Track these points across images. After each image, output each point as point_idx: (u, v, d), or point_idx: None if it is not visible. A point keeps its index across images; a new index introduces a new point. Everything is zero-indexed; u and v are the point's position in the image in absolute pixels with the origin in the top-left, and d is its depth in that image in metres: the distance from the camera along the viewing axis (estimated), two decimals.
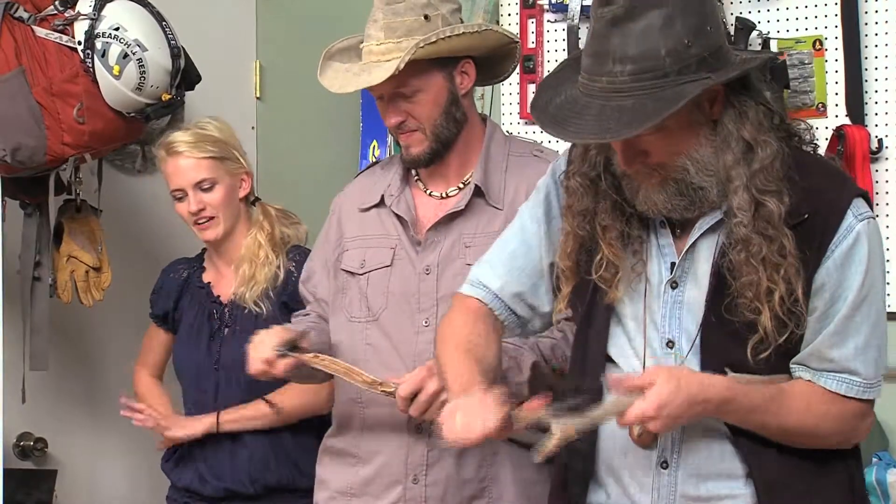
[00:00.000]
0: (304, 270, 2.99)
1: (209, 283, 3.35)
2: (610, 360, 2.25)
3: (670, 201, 2.15)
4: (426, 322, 2.70)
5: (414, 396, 2.57)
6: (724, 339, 2.14)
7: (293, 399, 3.19)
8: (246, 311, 3.24)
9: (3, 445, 3.27)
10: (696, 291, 2.18)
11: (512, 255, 2.37)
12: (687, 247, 2.19)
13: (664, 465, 2.19)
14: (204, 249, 3.42)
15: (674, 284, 2.20)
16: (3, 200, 3.31)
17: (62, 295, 3.42)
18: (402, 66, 2.61)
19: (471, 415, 2.10)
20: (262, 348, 2.66)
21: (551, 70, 3.47)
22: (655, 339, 2.20)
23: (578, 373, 2.30)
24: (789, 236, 2.10)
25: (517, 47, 2.80)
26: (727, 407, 2.09)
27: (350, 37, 2.83)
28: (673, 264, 2.20)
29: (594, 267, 2.22)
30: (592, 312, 2.26)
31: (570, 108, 2.12)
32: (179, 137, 3.26)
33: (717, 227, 2.18)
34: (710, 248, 2.18)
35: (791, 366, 2.17)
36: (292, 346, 2.65)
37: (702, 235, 2.19)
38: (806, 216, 2.12)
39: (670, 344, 2.19)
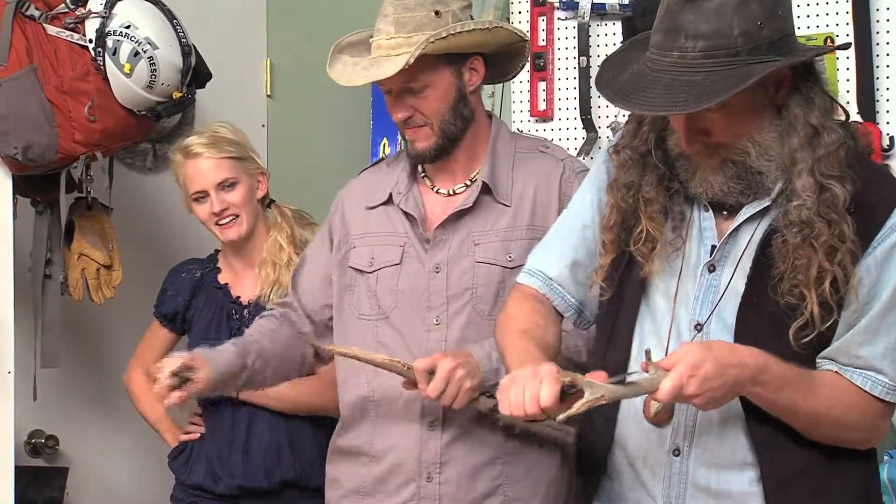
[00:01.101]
0: (300, 258, 3.01)
1: (226, 283, 3.39)
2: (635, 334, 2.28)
3: (727, 184, 2.18)
4: (437, 320, 2.73)
5: (431, 375, 2.57)
6: (760, 324, 2.17)
7: (306, 394, 3.22)
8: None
9: (14, 443, 3.31)
10: (735, 276, 2.20)
11: (567, 236, 2.41)
12: (729, 231, 2.22)
13: (676, 452, 2.22)
14: (217, 251, 3.45)
15: (711, 268, 2.23)
16: (14, 198, 3.34)
17: (73, 293, 3.45)
18: (411, 60, 2.63)
19: (525, 387, 2.10)
20: (161, 375, 2.65)
21: (560, 66, 3.54)
22: (684, 319, 2.23)
23: (604, 346, 2.33)
24: (849, 222, 2.13)
25: (527, 45, 2.82)
26: (762, 376, 2.10)
27: (360, 31, 2.84)
28: (713, 247, 2.23)
29: (633, 239, 2.25)
30: (625, 286, 2.29)
31: (637, 83, 2.15)
32: (196, 140, 3.30)
33: (761, 215, 2.21)
34: (750, 234, 2.21)
35: (818, 360, 2.19)
36: (182, 379, 2.64)
37: (744, 221, 2.22)
38: (853, 209, 2.15)
39: (698, 326, 2.22)
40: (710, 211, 2.24)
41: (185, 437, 3.37)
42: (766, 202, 2.20)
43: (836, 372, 2.19)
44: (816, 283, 2.12)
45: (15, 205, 3.35)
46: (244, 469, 3.26)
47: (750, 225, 2.22)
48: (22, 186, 3.36)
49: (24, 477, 3.44)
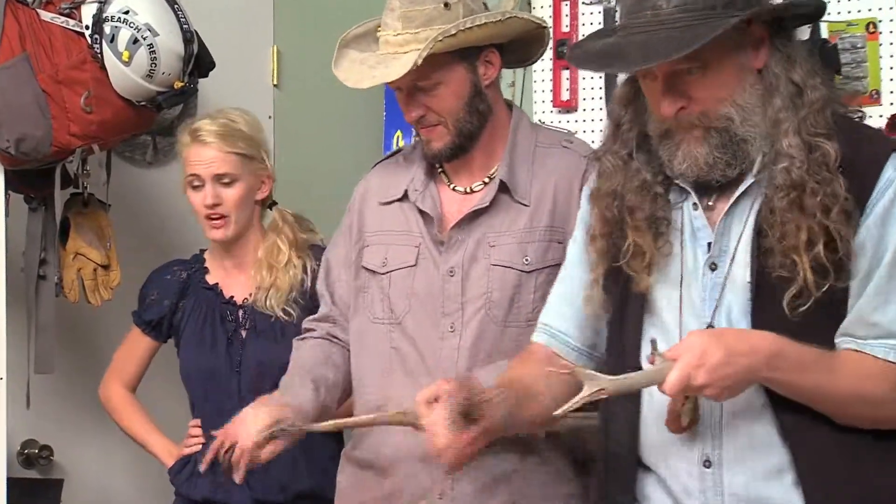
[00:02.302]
0: (322, 264, 3.01)
1: (216, 284, 3.39)
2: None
3: (712, 154, 2.21)
4: (451, 327, 2.73)
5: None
6: (773, 313, 2.18)
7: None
8: (269, 317, 3.29)
9: (6, 453, 3.32)
10: (735, 268, 2.22)
11: (562, 296, 2.46)
12: (721, 219, 2.24)
13: (707, 463, 2.23)
14: (202, 251, 3.46)
15: (713, 266, 2.25)
16: (6, 194, 3.35)
17: (69, 294, 3.45)
18: (419, 61, 2.63)
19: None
20: (248, 432, 2.67)
21: None
22: (694, 325, 2.24)
23: (614, 363, 2.34)
24: (841, 181, 2.15)
25: (546, 32, 2.82)
26: (777, 361, 2.11)
27: (367, 21, 2.85)
28: (709, 244, 2.25)
29: (622, 254, 2.28)
30: (626, 302, 2.31)
31: (611, 50, 2.21)
32: (208, 126, 3.30)
33: (751, 199, 2.23)
34: (743, 221, 2.22)
35: (836, 339, 2.20)
36: (275, 432, 2.67)
37: (733, 208, 2.23)
38: (842, 168, 2.17)
39: (710, 328, 2.23)
40: (700, 209, 2.26)
41: (186, 451, 3.38)
42: (751, 179, 2.22)
43: (855, 350, 2.19)
44: (807, 246, 2.14)
45: (7, 201, 3.36)
46: (259, 482, 3.26)
47: (741, 213, 2.24)
48: (14, 182, 3.37)
49: (16, 489, 3.45)
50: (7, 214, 3.36)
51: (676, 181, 2.28)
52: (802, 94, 2.20)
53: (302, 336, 3.00)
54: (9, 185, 3.36)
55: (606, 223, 2.32)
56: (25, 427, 3.64)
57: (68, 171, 3.39)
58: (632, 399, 2.28)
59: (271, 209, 3.42)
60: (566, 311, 2.45)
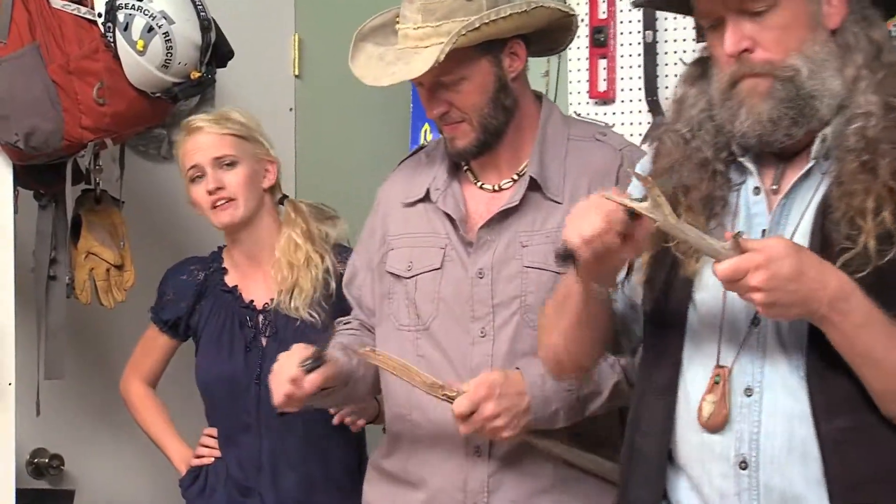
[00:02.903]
0: (346, 270, 3.02)
1: (235, 286, 3.39)
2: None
3: (777, 108, 2.19)
4: (482, 332, 2.73)
5: (469, 415, 2.61)
6: None
7: None
8: (292, 321, 3.29)
9: (15, 463, 3.32)
10: None
11: None
12: (779, 202, 2.23)
13: (743, 465, 2.22)
14: (220, 248, 3.46)
15: None
16: (15, 191, 3.35)
17: (80, 295, 3.46)
18: (441, 58, 2.63)
19: (588, 212, 2.16)
20: (287, 368, 2.69)
21: (623, 42, 3.54)
22: (740, 315, 2.22)
23: (652, 360, 2.33)
24: None
25: (573, 20, 2.81)
26: (843, 304, 2.09)
27: (385, 11, 2.84)
28: (763, 231, 2.24)
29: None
30: (671, 287, 2.29)
31: None
32: (199, 116, 3.35)
33: (812, 181, 2.22)
34: (802, 208, 2.21)
35: None
36: (316, 361, 2.69)
37: (793, 194, 2.22)
38: None
39: (755, 320, 2.21)
40: (762, 193, 2.25)
41: (196, 462, 3.38)
42: (811, 163, 2.21)
43: None
44: (874, 211, 2.12)
45: (16, 198, 3.37)
46: (275, 498, 3.28)
47: (801, 201, 2.23)
48: (23, 177, 3.38)
49: (26, 500, 3.46)
50: (16, 212, 3.36)
51: (740, 158, 2.27)
52: (881, 54, 2.20)
53: (341, 319, 3.01)
54: (18, 182, 3.36)
55: None
56: (35, 435, 3.64)
57: (80, 166, 3.40)
58: (667, 394, 2.28)
59: (283, 204, 3.41)
60: None
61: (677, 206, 2.26)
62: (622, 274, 2.34)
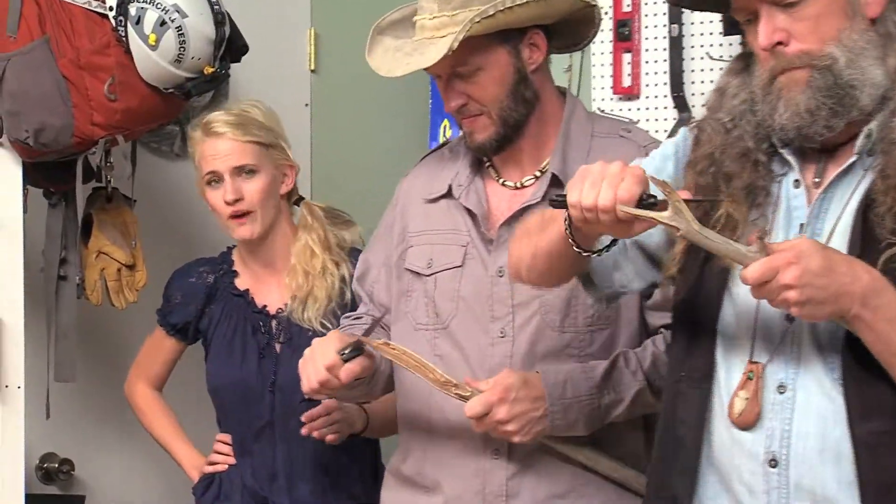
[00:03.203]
0: (358, 265, 3.02)
1: (247, 290, 3.38)
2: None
3: (815, 98, 2.19)
4: (502, 332, 2.73)
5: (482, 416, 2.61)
6: None
7: (386, 411, 3.19)
8: (305, 330, 3.28)
9: (24, 468, 3.33)
10: None
11: None
12: (818, 198, 2.23)
13: (773, 463, 2.21)
14: (229, 248, 3.45)
15: None
16: (24, 189, 3.36)
17: (91, 296, 3.47)
18: (455, 45, 2.62)
19: (607, 177, 2.14)
20: (323, 355, 2.69)
21: (648, 35, 3.54)
22: (777, 312, 2.21)
23: (683, 350, 2.33)
24: None
25: (595, 11, 2.81)
26: (875, 299, 2.08)
27: (403, 6, 2.85)
28: (801, 226, 2.24)
29: (711, 223, 2.25)
30: (704, 279, 2.29)
31: None
32: (220, 117, 3.30)
33: (853, 175, 2.21)
34: (843, 202, 2.21)
35: None
36: (357, 349, 2.69)
37: (833, 188, 2.22)
38: None
39: (790, 318, 2.21)
40: (802, 186, 2.25)
41: (210, 469, 3.38)
42: (853, 157, 2.21)
43: None
44: None
45: (25, 196, 3.37)
46: None
47: (841, 195, 2.22)
48: (33, 175, 3.38)
49: None
50: (25, 211, 3.37)
51: (780, 150, 2.27)
52: None
53: (349, 314, 3.02)
54: (27, 179, 3.37)
55: (699, 192, 2.30)
56: (45, 439, 3.65)
57: (91, 163, 3.41)
58: (703, 384, 2.28)
59: (298, 205, 3.41)
60: None
61: (718, 194, 2.27)
62: None
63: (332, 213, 3.42)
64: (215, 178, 3.29)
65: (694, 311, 2.31)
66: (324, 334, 3.16)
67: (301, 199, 3.42)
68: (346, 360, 2.68)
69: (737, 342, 2.25)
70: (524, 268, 2.44)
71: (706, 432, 2.29)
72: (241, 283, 3.40)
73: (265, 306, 3.36)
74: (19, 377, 3.30)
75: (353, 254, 3.34)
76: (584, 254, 2.27)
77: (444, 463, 2.77)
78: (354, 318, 2.98)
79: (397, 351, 2.71)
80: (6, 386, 3.30)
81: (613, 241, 2.30)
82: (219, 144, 3.28)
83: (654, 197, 2.12)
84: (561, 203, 2.20)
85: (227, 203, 3.27)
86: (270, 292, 3.36)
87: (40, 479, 3.72)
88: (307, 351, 2.74)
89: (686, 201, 2.11)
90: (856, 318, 2.10)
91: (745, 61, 2.33)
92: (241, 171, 3.28)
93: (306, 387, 2.72)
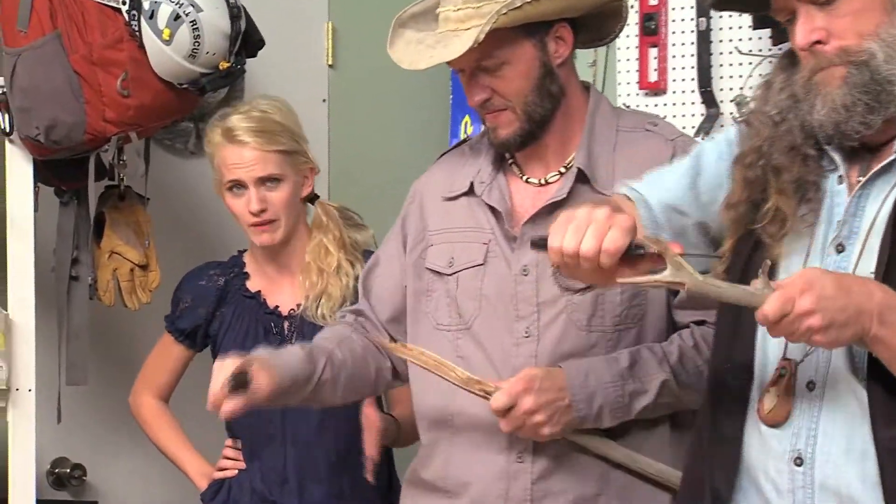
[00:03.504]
0: (369, 261, 3.03)
1: (259, 291, 3.39)
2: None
3: (850, 94, 2.19)
4: (526, 332, 2.73)
5: (508, 410, 2.61)
6: None
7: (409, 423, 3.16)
8: (315, 325, 3.27)
9: (35, 473, 3.34)
10: (862, 258, 2.20)
11: (676, 177, 2.43)
12: (854, 195, 2.23)
13: (798, 461, 2.22)
14: (240, 251, 3.46)
15: (840, 247, 2.23)
16: (35, 187, 3.37)
17: (104, 297, 3.48)
18: (480, 37, 2.62)
19: (592, 223, 2.15)
20: (214, 381, 2.66)
21: (675, 29, 3.54)
22: None
23: (726, 345, 2.34)
24: None
25: (622, 4, 2.81)
26: (891, 315, 2.08)
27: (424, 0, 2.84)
28: (839, 223, 2.24)
29: (759, 217, 2.27)
30: (749, 272, 2.28)
31: None
32: (242, 123, 3.29)
33: (893, 175, 2.21)
34: (881, 199, 2.21)
35: None
36: (240, 381, 2.64)
37: (870, 185, 2.22)
38: None
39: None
40: (845, 183, 2.25)
41: (219, 475, 3.39)
42: (892, 155, 2.21)
43: None
44: None
45: (36, 195, 3.38)
46: None
47: (878, 192, 2.22)
48: (44, 173, 3.40)
49: None
50: (36, 209, 3.37)
51: (825, 147, 2.27)
52: None
53: (333, 322, 3.03)
54: (38, 177, 3.38)
55: (748, 186, 2.30)
56: (56, 444, 3.66)
57: (103, 161, 3.40)
58: (741, 378, 2.28)
59: (313, 203, 3.41)
60: (664, 188, 2.42)
61: (768, 189, 2.27)
62: None
63: (346, 215, 3.43)
64: (238, 186, 3.30)
65: (737, 311, 2.29)
66: None
67: (316, 197, 3.42)
68: (230, 390, 2.63)
69: (776, 340, 2.24)
70: None
71: (742, 450, 2.29)
72: (252, 284, 3.41)
73: (277, 307, 3.37)
74: (30, 380, 3.31)
75: (367, 255, 3.33)
76: (567, 293, 2.30)
77: (466, 466, 2.77)
78: (349, 311, 2.98)
79: (415, 351, 2.71)
80: (17, 389, 3.31)
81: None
82: (243, 153, 3.28)
83: (642, 248, 2.13)
84: (542, 246, 2.21)
85: (252, 213, 3.28)
86: (283, 293, 3.38)
87: (51, 484, 3.73)
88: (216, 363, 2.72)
89: (682, 255, 2.12)
90: (874, 340, 2.10)
91: (793, 57, 2.32)
92: (266, 180, 3.29)
93: (208, 405, 2.70)
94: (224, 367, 2.66)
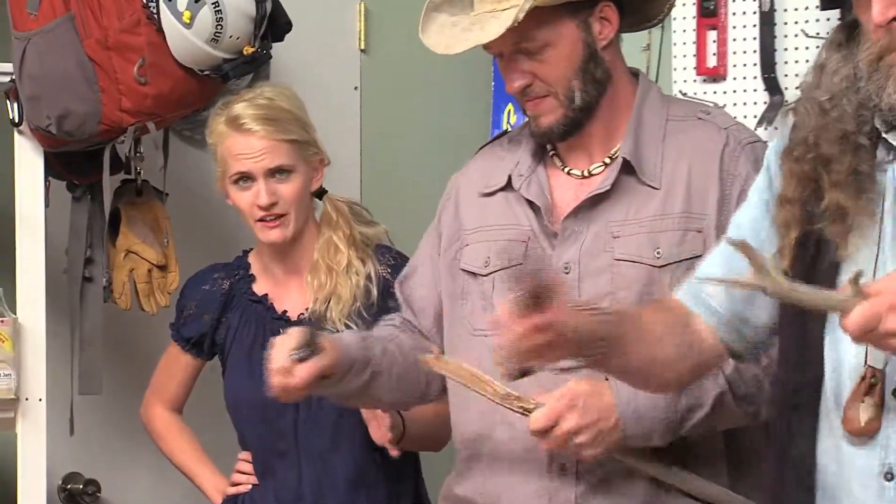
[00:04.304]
0: (406, 268, 3.04)
1: (265, 295, 3.39)
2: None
3: None
4: None
5: (549, 430, 2.61)
6: None
7: (417, 425, 3.21)
8: (326, 330, 3.27)
9: (46, 489, 3.35)
10: None
11: (717, 256, 2.44)
12: None
13: (889, 476, 2.20)
14: (245, 252, 3.47)
15: None
16: (46, 181, 3.39)
17: (119, 300, 3.49)
18: (520, 16, 2.63)
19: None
20: (276, 356, 2.69)
21: (735, 10, 3.52)
22: None
23: (792, 358, 2.33)
24: None
25: None
26: None
27: None
28: None
29: (818, 215, 2.27)
30: (813, 274, 2.28)
31: None
32: (248, 111, 3.28)
33: None
34: None
35: None
36: (310, 347, 2.67)
37: None
38: None
39: None
40: None
41: (232, 491, 3.40)
42: None
43: None
44: None
45: (47, 189, 3.40)
46: None
47: None
48: (56, 166, 3.42)
49: None
50: (47, 205, 3.39)
51: (885, 135, 2.26)
52: None
53: (385, 318, 3.04)
54: (49, 171, 3.40)
55: (800, 182, 2.30)
56: (68, 458, 3.68)
57: (119, 153, 3.42)
58: (811, 392, 2.27)
59: (321, 198, 3.41)
60: (718, 271, 2.41)
61: (821, 185, 2.27)
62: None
63: (355, 210, 3.43)
64: (245, 178, 3.29)
65: (803, 320, 2.30)
66: None
67: (324, 192, 3.41)
68: (299, 361, 2.66)
69: (848, 345, 2.22)
70: (642, 381, 2.52)
71: (816, 446, 2.29)
72: (258, 287, 3.41)
73: (285, 312, 3.37)
74: (41, 389, 3.33)
75: (380, 250, 3.36)
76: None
77: (506, 481, 2.77)
78: (384, 324, 2.99)
79: (451, 365, 2.72)
80: (26, 399, 3.32)
81: None
82: (251, 142, 3.27)
83: None
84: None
85: (261, 207, 3.27)
86: (291, 297, 3.38)
87: (63, 500, 3.75)
88: (271, 350, 2.75)
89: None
90: None
91: (846, 32, 2.31)
92: (276, 172, 3.28)
93: (272, 391, 2.74)
94: (286, 339, 2.68)
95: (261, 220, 3.28)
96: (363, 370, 2.79)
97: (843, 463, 2.24)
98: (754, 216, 2.43)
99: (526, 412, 2.61)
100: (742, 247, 2.12)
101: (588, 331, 2.30)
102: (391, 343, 2.88)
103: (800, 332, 2.32)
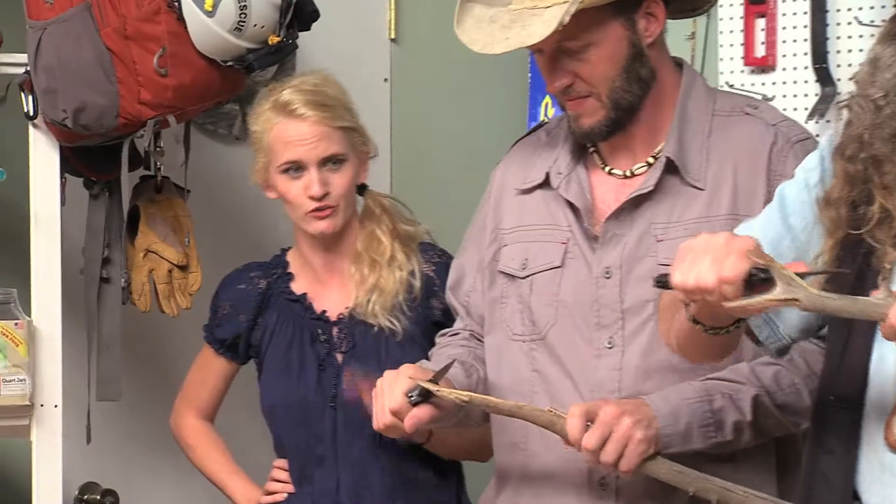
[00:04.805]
0: (451, 271, 3.05)
1: (304, 294, 3.39)
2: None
3: None
4: (609, 342, 2.74)
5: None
6: None
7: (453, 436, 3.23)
8: (370, 330, 3.30)
9: (62, 499, 3.36)
10: None
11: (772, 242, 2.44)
12: None
13: None
14: (283, 250, 3.47)
15: None
16: (62, 178, 3.40)
17: (138, 301, 3.50)
18: (566, 19, 2.63)
19: (711, 254, 2.17)
20: (390, 395, 2.69)
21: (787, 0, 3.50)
22: None
23: (835, 368, 2.33)
24: None
25: None
26: None
27: None
28: None
29: (865, 219, 2.27)
30: (863, 279, 2.28)
31: None
32: (298, 96, 3.28)
33: None
34: None
35: None
36: (424, 394, 2.68)
37: None
38: None
39: None
40: None
41: (267, 500, 3.41)
42: None
43: None
44: None
45: (63, 186, 3.41)
46: None
47: None
48: (72, 162, 3.43)
49: None
50: (63, 203, 3.40)
51: None
52: None
53: (445, 331, 3.05)
54: (65, 167, 3.41)
55: (849, 181, 2.30)
56: (85, 467, 3.68)
57: (138, 148, 3.42)
58: (852, 406, 2.28)
59: (361, 195, 3.41)
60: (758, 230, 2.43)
61: (870, 188, 2.27)
62: None
63: (397, 208, 3.44)
64: (296, 168, 3.29)
65: (848, 330, 2.31)
66: (392, 331, 3.26)
67: (365, 187, 3.41)
68: (413, 405, 2.68)
69: (893, 355, 2.24)
70: (678, 351, 2.52)
71: (856, 464, 2.28)
72: (297, 286, 3.41)
73: (325, 311, 3.37)
74: (56, 395, 3.34)
75: (423, 248, 3.37)
76: (711, 332, 2.32)
77: (541, 496, 2.78)
78: (451, 336, 3.01)
79: (492, 402, 2.71)
80: (41, 405, 3.33)
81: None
82: (303, 129, 3.27)
83: (767, 270, 2.15)
84: (665, 283, 2.25)
85: (313, 197, 3.27)
86: (330, 296, 3.38)
87: None
88: (379, 381, 2.75)
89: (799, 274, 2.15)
90: None
91: None
92: (329, 161, 3.28)
93: (375, 425, 2.75)
94: (397, 381, 2.69)
95: (312, 211, 3.28)
96: (463, 407, 2.79)
97: (884, 474, 2.24)
98: (802, 199, 2.42)
99: (554, 417, 2.60)
100: (761, 256, 2.14)
101: None
102: (479, 364, 2.89)
103: (844, 344, 2.33)
